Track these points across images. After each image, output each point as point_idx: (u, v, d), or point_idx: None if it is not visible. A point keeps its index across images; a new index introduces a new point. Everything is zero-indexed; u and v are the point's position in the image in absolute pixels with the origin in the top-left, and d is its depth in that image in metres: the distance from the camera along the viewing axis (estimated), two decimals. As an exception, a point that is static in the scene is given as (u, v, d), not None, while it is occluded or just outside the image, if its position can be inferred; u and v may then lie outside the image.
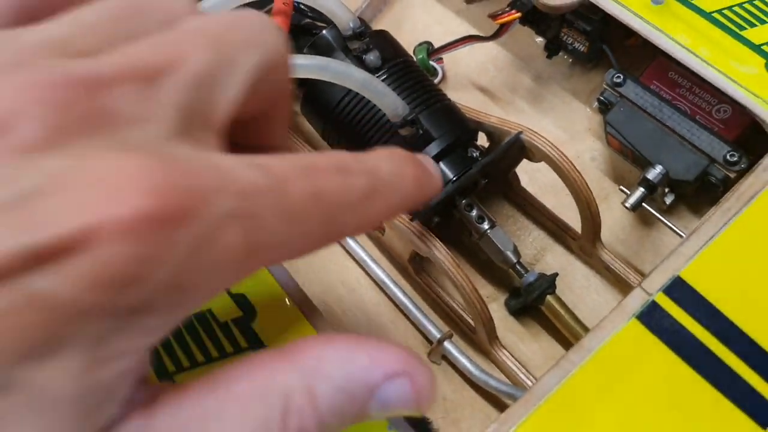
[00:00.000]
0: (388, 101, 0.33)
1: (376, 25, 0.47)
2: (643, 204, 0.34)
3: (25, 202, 0.13)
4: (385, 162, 0.21)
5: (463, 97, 0.43)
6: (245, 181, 0.16)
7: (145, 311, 0.14)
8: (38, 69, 0.15)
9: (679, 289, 0.27)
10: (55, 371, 0.13)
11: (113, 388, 0.14)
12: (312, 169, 0.18)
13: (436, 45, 0.43)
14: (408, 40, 0.46)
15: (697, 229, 0.28)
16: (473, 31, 0.45)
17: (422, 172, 0.23)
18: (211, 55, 0.17)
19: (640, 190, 0.33)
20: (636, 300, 0.27)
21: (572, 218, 0.37)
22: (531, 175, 0.40)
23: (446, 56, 0.43)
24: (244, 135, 0.20)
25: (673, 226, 0.34)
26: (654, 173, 0.33)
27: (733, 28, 0.33)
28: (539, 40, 0.42)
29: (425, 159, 0.28)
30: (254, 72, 0.18)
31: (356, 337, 0.18)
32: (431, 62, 0.43)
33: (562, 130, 0.41)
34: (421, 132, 0.34)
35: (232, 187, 0.15)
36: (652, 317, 0.26)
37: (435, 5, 0.47)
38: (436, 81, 0.43)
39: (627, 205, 0.34)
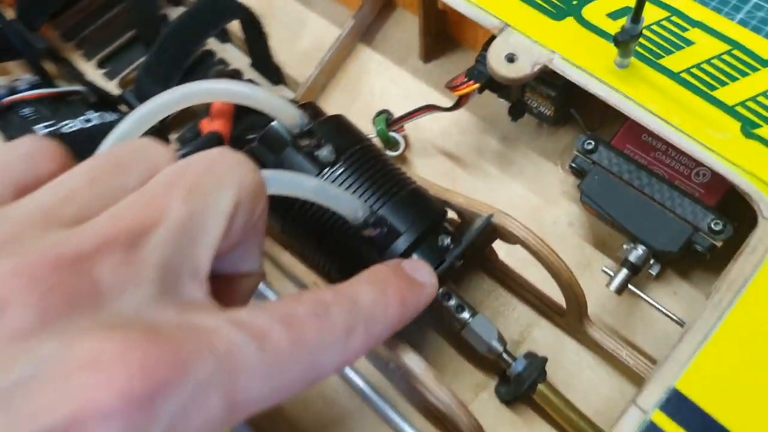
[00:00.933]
0: (346, 206, 0.30)
1: (332, 91, 0.45)
2: (629, 285, 0.32)
3: (20, 391, 0.14)
4: (366, 291, 0.22)
5: (429, 164, 0.41)
6: (227, 342, 0.17)
7: None
8: (24, 250, 0.16)
9: (675, 404, 0.25)
10: None
11: None
12: (291, 319, 0.19)
13: (395, 109, 0.41)
14: (367, 105, 0.43)
15: (689, 329, 0.26)
16: (432, 92, 0.43)
17: (408, 290, 0.24)
18: (189, 205, 0.18)
19: (624, 272, 0.31)
20: (632, 420, 0.25)
21: (556, 290, 0.35)
22: (509, 248, 0.38)
23: (408, 123, 0.41)
24: (218, 265, 0.21)
25: (661, 307, 0.32)
26: (636, 255, 0.31)
27: (704, 88, 0.31)
28: (502, 100, 0.40)
29: (414, 267, 0.27)
30: (232, 212, 0.19)
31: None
32: (391, 133, 0.40)
33: (535, 193, 0.39)
34: (385, 230, 0.32)
35: (214, 350, 0.16)
36: (650, 440, 0.24)
37: (391, 66, 0.44)
38: (399, 151, 0.41)
39: (611, 288, 0.32)
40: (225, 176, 0.19)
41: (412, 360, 0.30)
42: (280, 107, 0.31)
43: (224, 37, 0.48)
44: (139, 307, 0.17)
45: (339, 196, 0.30)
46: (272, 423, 0.32)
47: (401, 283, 0.24)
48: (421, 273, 0.26)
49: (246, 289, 0.24)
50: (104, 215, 0.17)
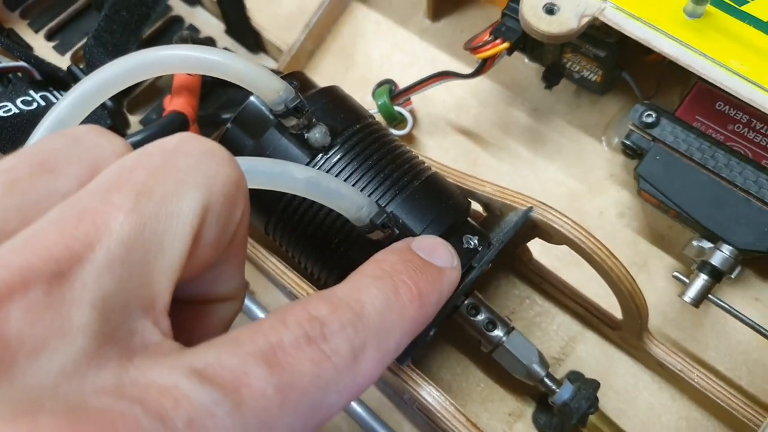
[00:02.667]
0: (347, 203, 0.23)
1: (321, 59, 0.38)
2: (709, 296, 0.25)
3: None
4: (372, 294, 0.17)
5: (442, 145, 0.34)
6: (187, 409, 0.12)
7: None
8: None
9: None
10: None
11: None
12: (275, 353, 0.14)
13: (400, 80, 0.34)
14: (364, 77, 0.36)
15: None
16: (443, 57, 0.36)
17: (426, 280, 0.19)
18: (138, 216, 0.14)
19: (703, 279, 0.25)
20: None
21: (605, 295, 0.28)
22: (545, 244, 0.31)
23: (416, 96, 0.34)
24: (185, 290, 0.16)
25: (745, 317, 0.25)
26: (721, 258, 0.25)
27: (806, 41, 0.24)
28: (528, 61, 0.33)
29: (429, 247, 0.22)
30: (198, 221, 0.15)
31: None
32: (396, 107, 0.33)
33: (576, 179, 0.32)
34: (397, 232, 0.25)
35: (164, 425, 0.12)
36: None
37: (392, 27, 0.37)
38: (406, 130, 0.34)
39: (686, 299, 0.25)
40: (188, 173, 0.15)
41: (425, 392, 0.23)
42: (258, 78, 0.24)
43: (193, -1, 0.41)
44: (63, 371, 0.12)
45: (338, 190, 0.23)
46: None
47: (416, 274, 0.19)
48: (439, 254, 0.22)
49: (223, 317, 0.19)
50: (20, 237, 0.13)
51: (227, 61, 0.23)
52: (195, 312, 0.18)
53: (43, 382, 0.12)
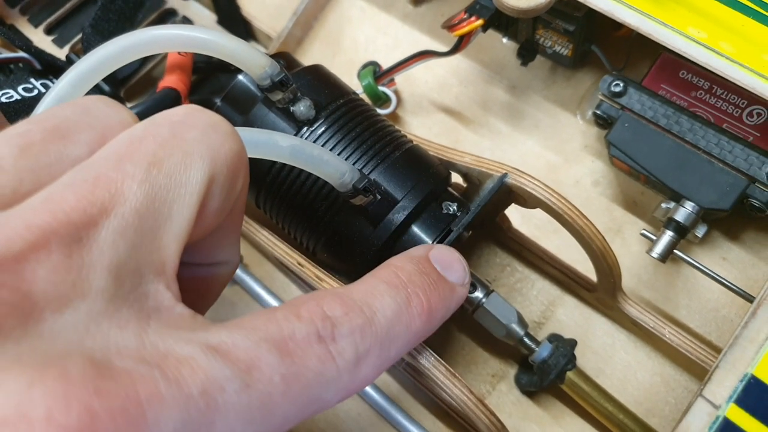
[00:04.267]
0: (330, 169, 0.25)
1: (309, 46, 0.39)
2: (675, 251, 0.26)
3: None
4: (385, 301, 0.18)
5: (425, 123, 0.36)
6: (203, 380, 0.13)
7: None
8: None
9: (756, 395, 0.20)
10: None
11: None
12: (286, 344, 0.15)
13: (384, 62, 0.36)
14: (350, 60, 0.38)
15: (763, 300, 0.21)
16: (425, 39, 0.37)
17: (437, 296, 0.20)
18: (150, 184, 0.14)
19: (669, 235, 0.26)
20: (701, 418, 0.20)
21: (582, 260, 0.29)
22: (524, 213, 0.32)
23: (398, 76, 0.35)
24: (186, 256, 0.17)
25: (717, 275, 0.27)
26: (685, 213, 0.26)
27: (759, 9, 0.26)
28: (506, 41, 0.34)
29: (446, 262, 0.22)
30: (204, 190, 0.15)
31: None
32: (381, 87, 0.35)
33: (553, 151, 0.33)
34: (379, 198, 0.27)
35: (185, 394, 0.13)
36: (726, 442, 0.19)
37: (377, 13, 0.38)
38: (390, 109, 0.35)
39: (654, 255, 0.27)
40: (195, 145, 0.15)
41: (418, 353, 0.25)
42: (245, 54, 0.25)
43: (186, -9, 0.42)
44: (87, 328, 0.13)
45: (321, 156, 0.24)
46: None
47: (429, 289, 0.20)
48: (454, 270, 0.22)
49: (219, 281, 0.20)
50: (38, 198, 0.14)
51: (216, 39, 0.24)
52: (195, 274, 0.19)
53: (69, 337, 0.13)
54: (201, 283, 0.20)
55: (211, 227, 0.17)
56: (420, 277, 0.20)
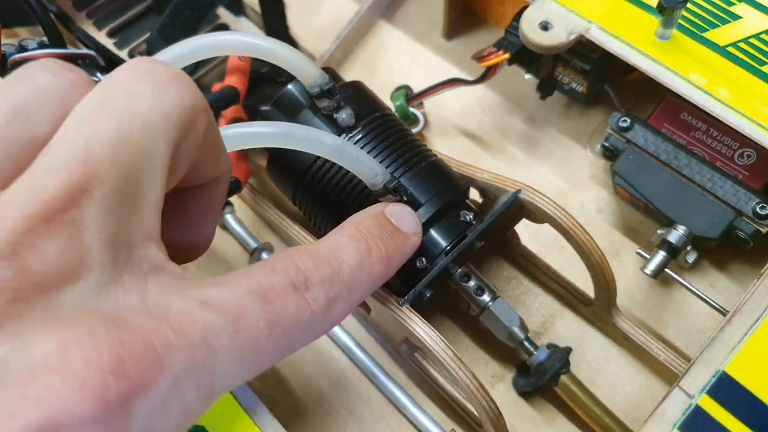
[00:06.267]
0: (365, 168, 0.28)
1: (348, 68, 0.43)
2: (666, 270, 0.29)
3: None
4: (349, 252, 0.20)
5: (448, 145, 0.39)
6: (201, 328, 0.15)
7: None
8: None
9: (725, 388, 0.22)
10: None
11: None
12: (267, 294, 0.17)
13: (415, 87, 0.39)
14: (384, 84, 0.42)
15: (738, 310, 0.24)
16: (454, 70, 0.41)
17: (393, 245, 0.23)
18: (122, 165, 0.15)
19: (661, 255, 0.29)
20: (676, 405, 0.22)
21: (582, 278, 0.32)
22: (532, 231, 0.35)
23: (428, 100, 0.39)
24: (180, 181, 0.19)
25: (702, 294, 0.30)
26: (677, 236, 0.29)
27: (752, 63, 0.29)
28: (529, 77, 0.38)
29: (399, 215, 0.25)
30: (169, 154, 0.16)
31: None
32: (411, 109, 0.38)
33: (563, 178, 0.37)
34: (405, 199, 0.30)
35: (189, 339, 0.15)
36: (696, 426, 0.22)
37: (412, 44, 0.42)
38: (418, 129, 0.39)
39: (647, 271, 0.29)
40: (152, 114, 0.16)
41: (429, 336, 0.27)
42: (301, 63, 0.29)
43: (238, 9, 0.47)
44: (98, 295, 0.15)
45: (359, 156, 0.28)
46: (274, 406, 0.29)
47: (387, 238, 0.23)
48: (407, 223, 0.25)
49: (218, 192, 0.21)
50: (21, 183, 0.15)
51: (278, 48, 0.28)
52: (193, 194, 0.21)
53: (86, 303, 0.15)
54: (201, 200, 0.21)
55: (187, 167, 0.18)
56: (378, 229, 0.23)
